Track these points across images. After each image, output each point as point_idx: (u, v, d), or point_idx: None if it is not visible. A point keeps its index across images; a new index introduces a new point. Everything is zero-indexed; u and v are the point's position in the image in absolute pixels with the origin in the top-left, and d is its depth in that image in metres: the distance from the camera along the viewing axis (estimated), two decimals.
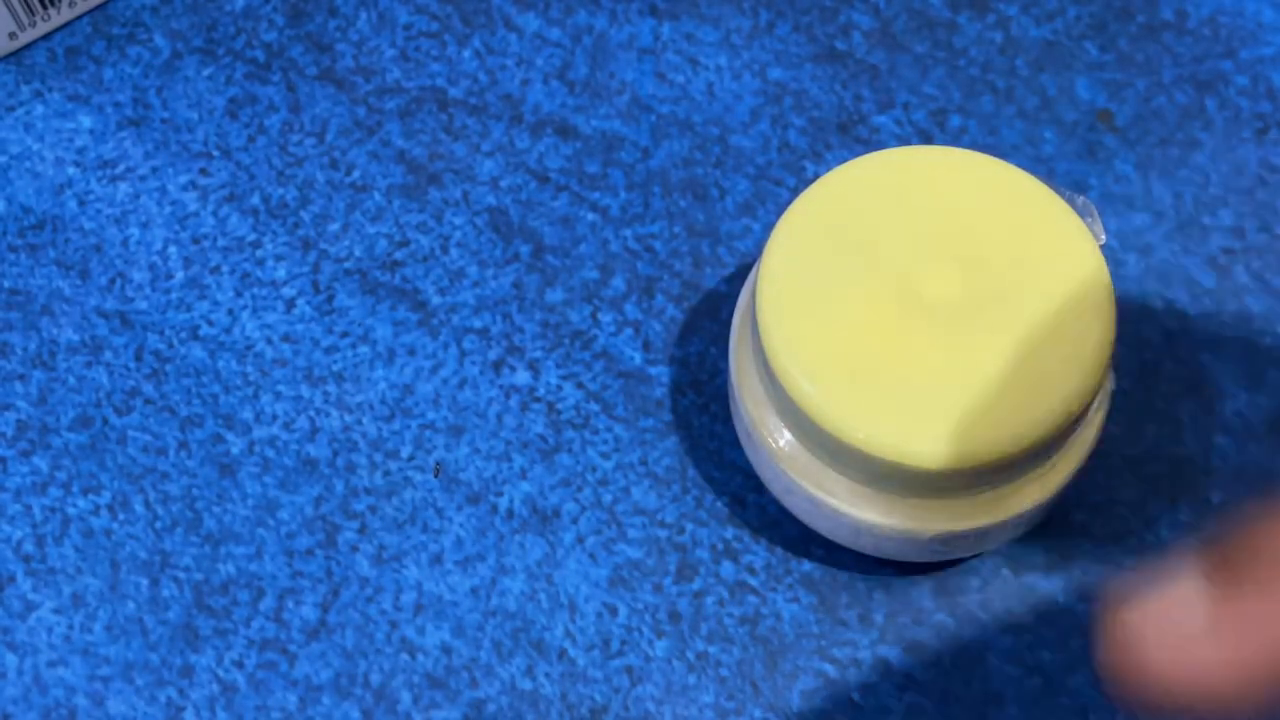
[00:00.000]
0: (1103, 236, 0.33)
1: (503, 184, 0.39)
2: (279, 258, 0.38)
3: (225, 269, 0.38)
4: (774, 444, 0.32)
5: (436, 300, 0.37)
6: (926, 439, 0.30)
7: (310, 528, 0.35)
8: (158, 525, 0.36)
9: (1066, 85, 0.39)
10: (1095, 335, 0.31)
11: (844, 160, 0.38)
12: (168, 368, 0.37)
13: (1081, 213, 0.33)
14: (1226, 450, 0.35)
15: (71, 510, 0.36)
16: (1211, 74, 0.39)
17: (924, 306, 0.31)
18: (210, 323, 0.37)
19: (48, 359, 0.37)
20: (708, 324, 0.37)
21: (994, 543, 0.33)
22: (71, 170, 0.39)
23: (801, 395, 0.31)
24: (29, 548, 0.35)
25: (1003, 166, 0.32)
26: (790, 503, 0.33)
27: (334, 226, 0.38)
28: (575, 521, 0.35)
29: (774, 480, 0.33)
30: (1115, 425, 0.36)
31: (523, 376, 0.37)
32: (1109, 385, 0.33)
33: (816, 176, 0.38)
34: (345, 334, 0.37)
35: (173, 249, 0.38)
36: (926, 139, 0.39)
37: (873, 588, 0.35)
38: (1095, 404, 0.32)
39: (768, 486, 0.34)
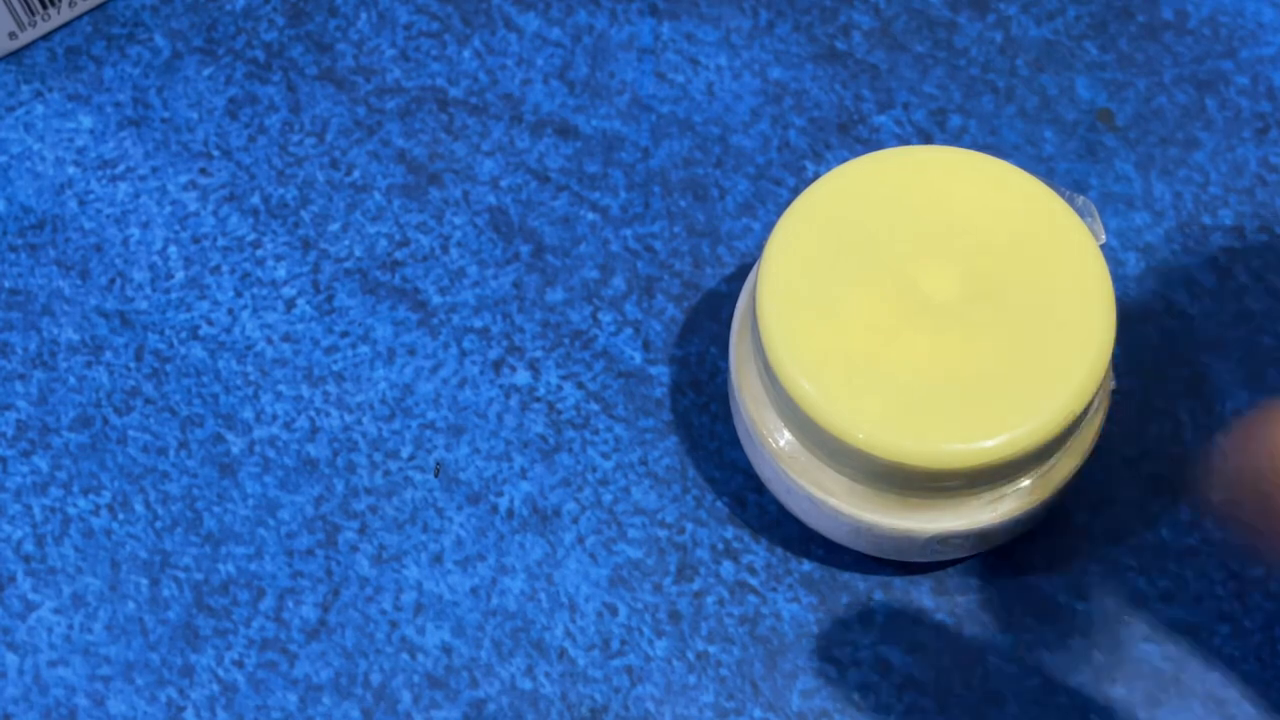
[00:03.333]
0: (1103, 236, 0.33)
1: (503, 184, 0.39)
2: (279, 257, 0.38)
3: (225, 269, 0.38)
4: (774, 444, 0.32)
5: (437, 300, 0.37)
6: (925, 438, 0.30)
7: (310, 527, 0.35)
8: (158, 525, 0.36)
9: (1066, 85, 0.39)
10: (1095, 335, 0.31)
11: (844, 160, 0.38)
12: (168, 367, 0.37)
13: (1082, 213, 0.33)
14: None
15: (72, 510, 0.36)
16: (1211, 74, 0.39)
17: (924, 306, 0.31)
18: (210, 322, 0.37)
19: (48, 359, 0.37)
20: (708, 324, 0.37)
21: (994, 542, 0.33)
22: (72, 170, 0.39)
23: (801, 394, 0.31)
24: (29, 547, 0.35)
25: (1003, 166, 0.32)
26: (790, 502, 0.33)
27: (334, 226, 0.38)
28: (575, 521, 0.35)
29: (774, 480, 0.33)
30: (1115, 425, 0.36)
31: (523, 376, 0.37)
32: (1109, 385, 0.33)
33: (817, 176, 0.38)
34: (345, 334, 0.37)
35: (173, 249, 0.38)
36: (926, 139, 0.39)
37: (873, 588, 0.35)
38: (1095, 404, 0.32)
39: (767, 486, 0.34)
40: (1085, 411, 0.31)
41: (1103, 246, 0.35)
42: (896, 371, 0.31)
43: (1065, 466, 0.32)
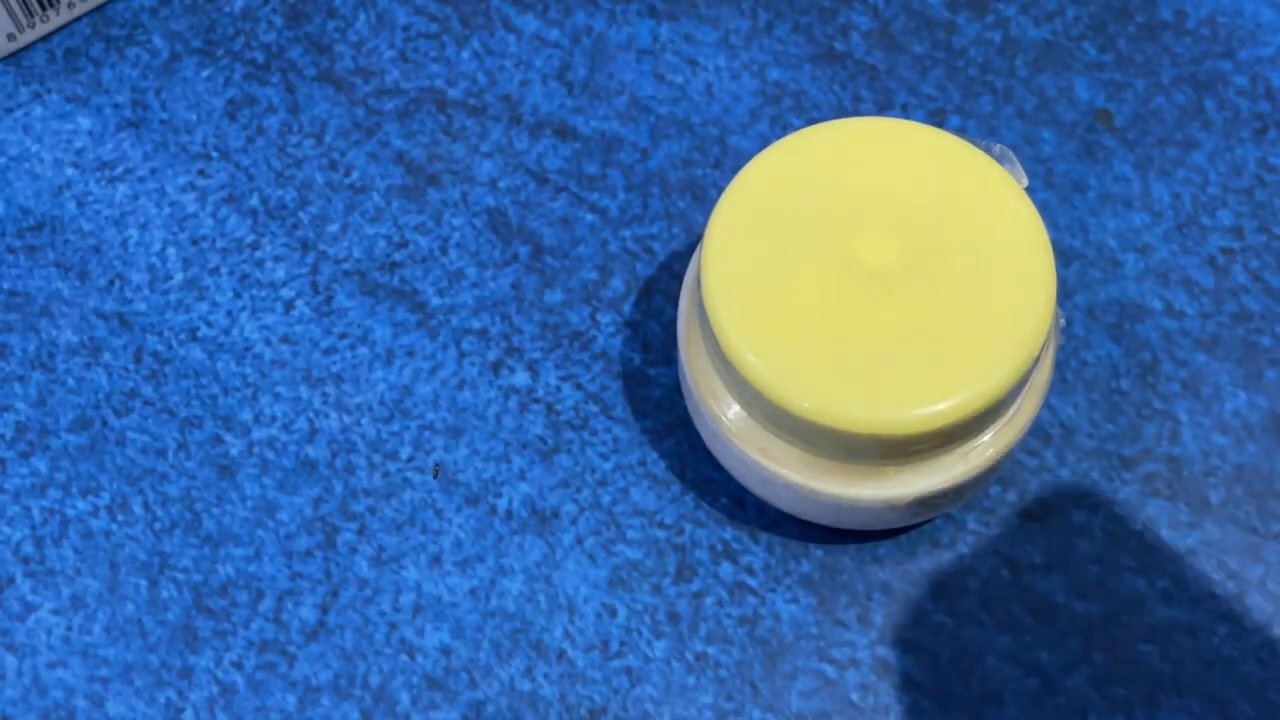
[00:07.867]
0: (1025, 180, 0.34)
1: (501, 185, 0.39)
2: (278, 259, 0.38)
3: (224, 270, 0.38)
4: (722, 417, 0.33)
5: (435, 301, 0.37)
6: (888, 405, 0.30)
7: (309, 529, 0.35)
8: (157, 527, 0.36)
9: (1065, 85, 0.39)
10: (1037, 272, 0.31)
11: None
12: (167, 369, 0.37)
13: (1001, 160, 0.34)
14: (1226, 450, 0.35)
15: (70, 512, 0.36)
16: (1210, 74, 0.39)
17: (865, 274, 0.31)
18: (209, 324, 0.37)
19: (47, 360, 0.37)
20: None
21: (969, 496, 0.33)
22: (70, 172, 0.39)
23: (747, 367, 0.31)
24: (28, 549, 0.35)
25: (919, 128, 0.33)
26: (765, 493, 0.33)
27: (333, 228, 0.38)
28: (574, 522, 0.35)
29: (745, 474, 0.33)
30: (1115, 425, 0.36)
31: (522, 378, 0.37)
32: (1060, 321, 0.33)
33: None
34: (344, 335, 0.37)
35: (171, 250, 0.38)
36: None
37: (872, 588, 0.35)
38: (1047, 341, 0.32)
39: (741, 482, 0.34)
40: (1041, 353, 0.31)
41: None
42: (847, 341, 0.31)
43: (1028, 408, 0.32)
